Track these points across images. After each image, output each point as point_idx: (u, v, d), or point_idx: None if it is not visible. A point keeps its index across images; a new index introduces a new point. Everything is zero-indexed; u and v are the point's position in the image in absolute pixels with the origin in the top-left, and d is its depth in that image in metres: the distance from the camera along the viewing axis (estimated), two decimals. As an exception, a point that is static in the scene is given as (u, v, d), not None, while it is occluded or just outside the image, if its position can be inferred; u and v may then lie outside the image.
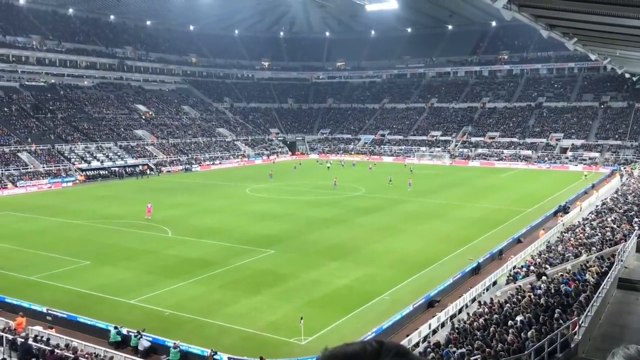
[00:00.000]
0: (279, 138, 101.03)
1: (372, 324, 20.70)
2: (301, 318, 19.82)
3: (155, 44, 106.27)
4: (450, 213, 42.99)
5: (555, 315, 14.19)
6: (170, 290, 25.02)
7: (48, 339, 18.47)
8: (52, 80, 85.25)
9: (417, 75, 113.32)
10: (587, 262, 20.17)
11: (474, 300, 23.41)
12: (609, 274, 15.73)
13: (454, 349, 15.37)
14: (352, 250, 31.87)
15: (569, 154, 79.36)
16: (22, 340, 17.75)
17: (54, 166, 64.19)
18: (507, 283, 24.41)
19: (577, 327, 11.92)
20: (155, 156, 76.37)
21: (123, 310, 22.71)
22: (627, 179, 54.51)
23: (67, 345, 18.07)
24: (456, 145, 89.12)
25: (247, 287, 25.49)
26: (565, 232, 32.08)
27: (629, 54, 26.46)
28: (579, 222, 34.36)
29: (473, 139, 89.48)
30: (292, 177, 66.62)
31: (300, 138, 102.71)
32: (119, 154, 73.00)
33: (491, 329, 15.85)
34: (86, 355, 17.42)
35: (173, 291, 24.89)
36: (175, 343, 18.35)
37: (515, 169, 75.50)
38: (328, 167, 71.95)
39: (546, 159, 79.26)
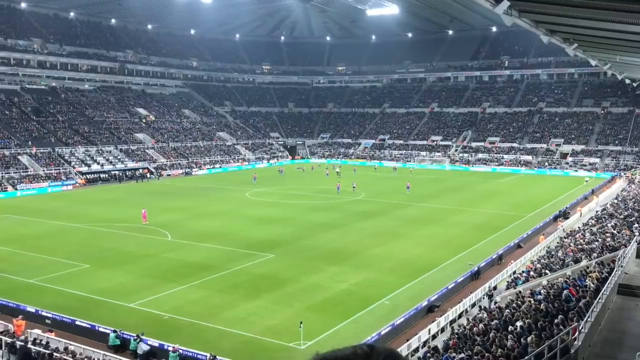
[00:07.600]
0: (279, 142, 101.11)
1: (372, 328, 20.64)
2: (301, 322, 19.80)
3: (156, 47, 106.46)
4: (450, 218, 42.96)
5: (555, 320, 14.15)
6: (169, 294, 25.00)
7: (47, 343, 18.44)
8: (53, 84, 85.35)
9: (417, 80, 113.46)
10: (587, 267, 20.13)
11: (473, 305, 23.37)
12: (609, 279, 15.72)
13: (454, 354, 15.34)
14: (351, 254, 31.84)
15: (569, 159, 79.38)
16: (22, 343, 17.73)
17: (54, 169, 64.22)
18: (507, 288, 24.36)
19: (577, 332, 11.90)
20: (156, 160, 76.39)
21: (122, 314, 22.69)
22: (628, 185, 54.43)
23: (66, 349, 18.04)
24: (456, 150, 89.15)
25: (247, 291, 25.47)
26: (565, 238, 32.04)
27: (629, 60, 26.51)
28: (579, 227, 34.33)
29: (473, 144, 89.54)
30: (293, 181, 66.59)
31: (301, 142, 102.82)
32: (119, 157, 73.02)
33: (491, 334, 15.80)
34: (85, 359, 17.40)
35: (172, 295, 24.86)
36: (174, 347, 18.30)
37: (516, 174, 75.47)
38: (337, 173, 71.03)
39: (546, 164, 79.28)
